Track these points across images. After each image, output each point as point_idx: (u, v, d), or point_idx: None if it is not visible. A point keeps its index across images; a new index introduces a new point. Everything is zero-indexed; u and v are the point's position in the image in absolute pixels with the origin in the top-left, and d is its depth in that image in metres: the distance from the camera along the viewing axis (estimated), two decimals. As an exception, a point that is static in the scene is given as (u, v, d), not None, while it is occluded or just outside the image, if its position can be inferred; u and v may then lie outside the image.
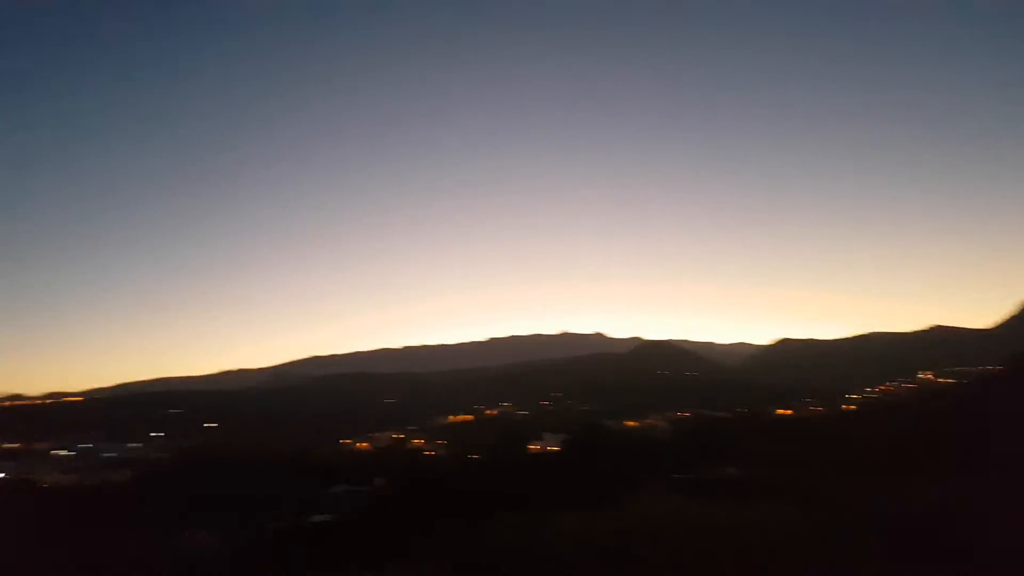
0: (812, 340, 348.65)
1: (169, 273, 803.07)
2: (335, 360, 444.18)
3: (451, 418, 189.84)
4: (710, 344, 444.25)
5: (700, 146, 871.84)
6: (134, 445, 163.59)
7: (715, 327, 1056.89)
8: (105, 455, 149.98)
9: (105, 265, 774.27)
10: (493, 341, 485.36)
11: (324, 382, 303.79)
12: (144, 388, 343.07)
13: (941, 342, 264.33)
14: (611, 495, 59.87)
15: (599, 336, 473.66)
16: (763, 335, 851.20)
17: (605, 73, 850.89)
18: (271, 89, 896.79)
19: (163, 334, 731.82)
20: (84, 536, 57.81)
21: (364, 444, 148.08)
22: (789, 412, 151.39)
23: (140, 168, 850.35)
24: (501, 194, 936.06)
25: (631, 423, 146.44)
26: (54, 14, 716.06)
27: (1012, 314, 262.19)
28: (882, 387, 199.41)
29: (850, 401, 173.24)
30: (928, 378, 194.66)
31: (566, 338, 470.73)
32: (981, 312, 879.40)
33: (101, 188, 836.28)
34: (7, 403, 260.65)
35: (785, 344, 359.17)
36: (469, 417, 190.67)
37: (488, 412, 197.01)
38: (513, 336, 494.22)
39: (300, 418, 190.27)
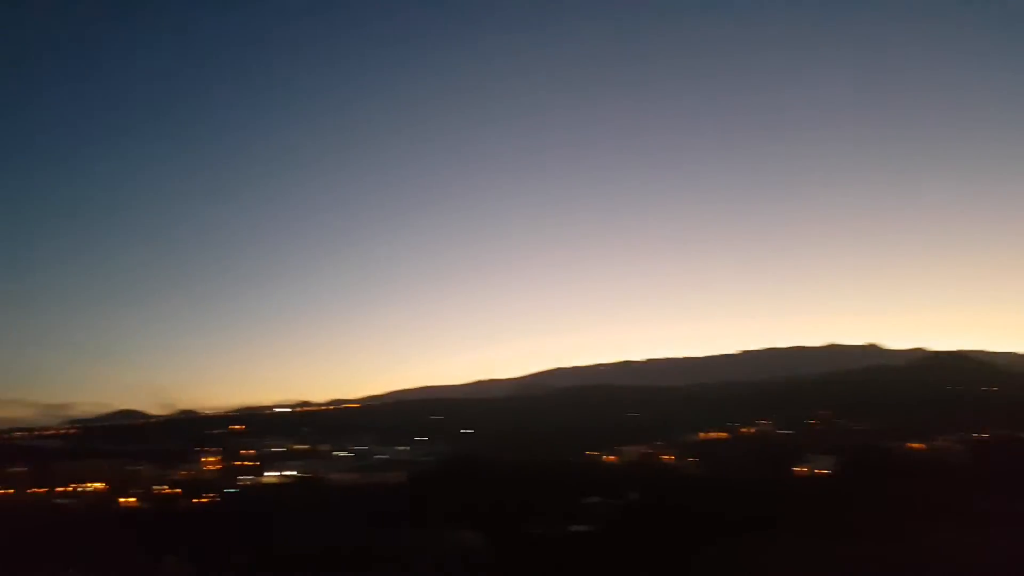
0: None
1: (434, 289, 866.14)
2: (578, 372, 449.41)
3: (702, 435, 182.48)
4: (1013, 354, 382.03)
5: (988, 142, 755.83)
6: (402, 448, 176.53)
7: (1019, 334, 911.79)
8: (377, 457, 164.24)
9: (384, 284, 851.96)
10: (746, 354, 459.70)
11: (568, 393, 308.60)
12: (411, 396, 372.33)
13: None
14: (898, 525, 53.64)
15: (873, 347, 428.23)
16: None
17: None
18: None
19: (429, 345, 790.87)
20: (365, 528, 62.95)
21: (611, 457, 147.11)
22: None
23: (406, 182, 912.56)
24: (758, 196, 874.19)
25: (916, 445, 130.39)
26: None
27: None
28: None
29: None
30: None
31: (833, 350, 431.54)
32: None
33: (371, 211, 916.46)
34: (298, 409, 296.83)
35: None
36: (723, 434, 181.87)
37: (744, 430, 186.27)
38: (770, 348, 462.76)
39: (546, 428, 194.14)
